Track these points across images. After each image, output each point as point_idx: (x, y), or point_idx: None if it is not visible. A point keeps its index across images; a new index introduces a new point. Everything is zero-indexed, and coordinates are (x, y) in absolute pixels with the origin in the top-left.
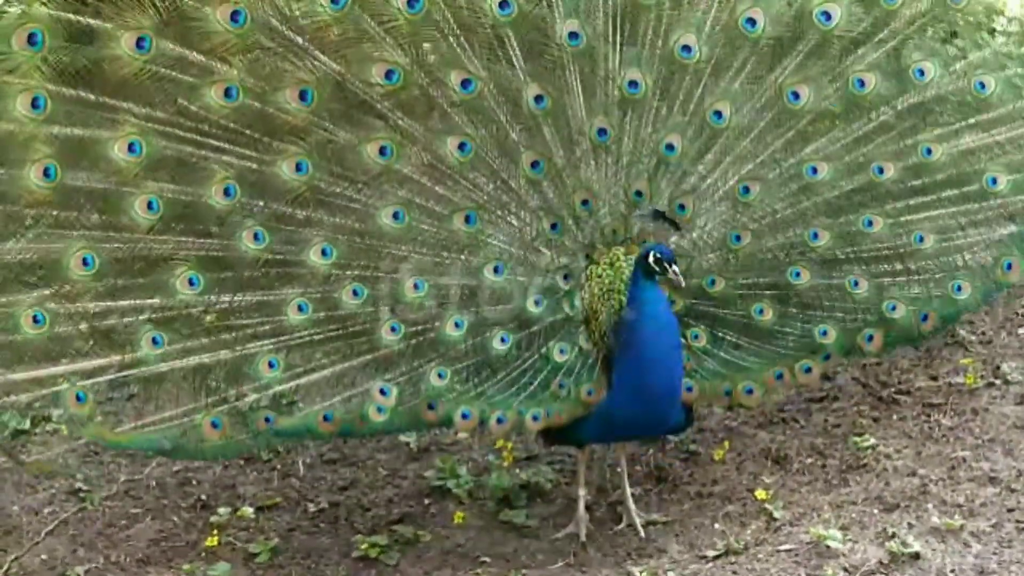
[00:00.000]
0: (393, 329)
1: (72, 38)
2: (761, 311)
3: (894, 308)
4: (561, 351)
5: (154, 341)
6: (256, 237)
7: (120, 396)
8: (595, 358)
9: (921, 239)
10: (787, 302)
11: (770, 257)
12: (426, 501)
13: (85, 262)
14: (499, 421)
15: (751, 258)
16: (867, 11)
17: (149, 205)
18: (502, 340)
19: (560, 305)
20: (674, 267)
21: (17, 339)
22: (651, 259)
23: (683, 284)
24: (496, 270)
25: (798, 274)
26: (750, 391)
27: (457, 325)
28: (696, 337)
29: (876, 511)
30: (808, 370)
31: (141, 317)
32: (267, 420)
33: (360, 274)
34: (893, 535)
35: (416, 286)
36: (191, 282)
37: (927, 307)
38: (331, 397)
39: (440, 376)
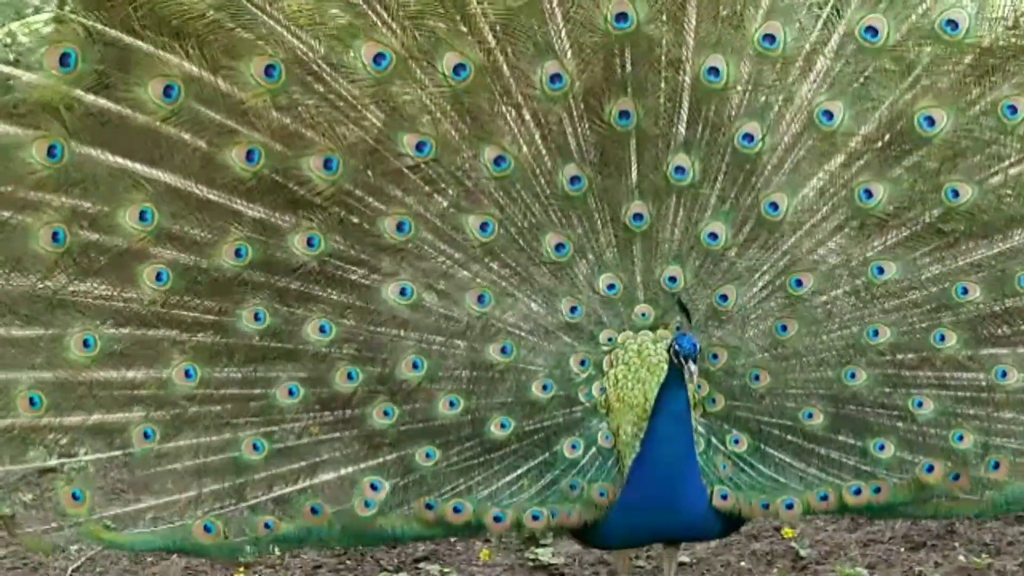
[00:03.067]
0: (386, 413)
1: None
2: (810, 415)
3: (961, 439)
4: (573, 446)
5: (145, 434)
6: (257, 317)
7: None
8: (613, 456)
9: (1004, 374)
10: (840, 407)
11: (822, 353)
12: (452, 539)
13: (86, 343)
14: (497, 519)
15: (800, 353)
16: (981, 124)
17: (158, 276)
18: (502, 425)
19: (575, 395)
20: (691, 364)
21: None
22: (671, 351)
23: (694, 384)
24: (504, 350)
25: (853, 375)
26: (790, 506)
27: (452, 404)
28: (736, 442)
29: (903, 550)
30: (857, 492)
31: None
32: (267, 526)
33: (356, 354)
34: (920, 573)
35: (415, 365)
36: (187, 373)
37: (999, 455)
38: (322, 494)
39: (428, 456)
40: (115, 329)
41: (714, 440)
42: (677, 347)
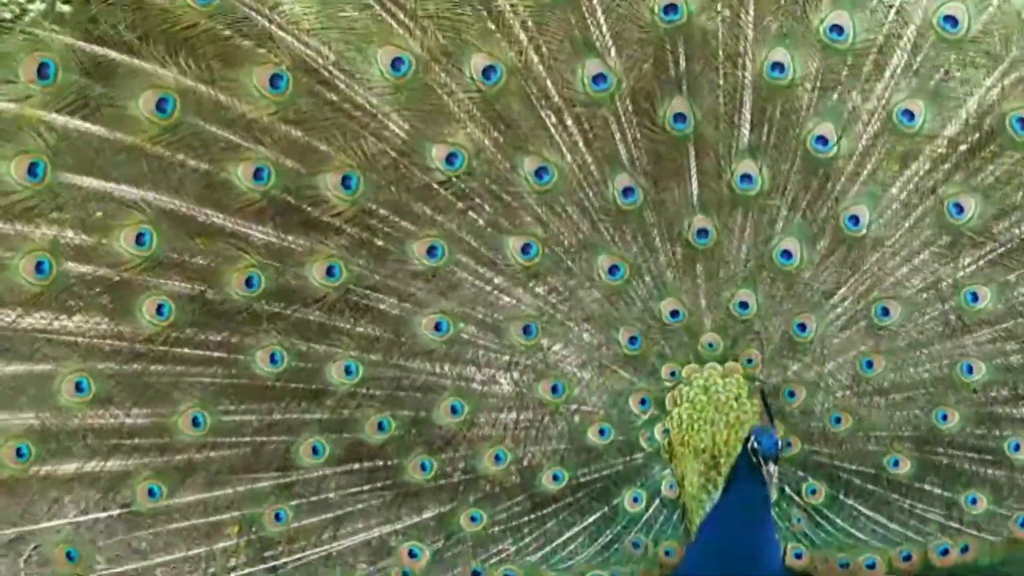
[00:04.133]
0: (423, 467)
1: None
2: (896, 463)
3: None
4: (635, 499)
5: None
6: (273, 359)
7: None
8: (678, 509)
9: None
10: (928, 452)
11: (910, 392)
12: None
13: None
14: None
15: (886, 391)
16: None
17: (159, 309)
18: (554, 478)
19: (635, 439)
20: (771, 467)
21: None
22: (749, 447)
23: (772, 491)
24: (555, 390)
25: (945, 417)
26: (872, 566)
27: (498, 459)
28: (813, 493)
29: None
30: (944, 552)
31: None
32: None
33: (387, 397)
34: None
35: (453, 409)
36: (195, 422)
37: None
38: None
39: (474, 520)
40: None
41: (788, 490)
42: (756, 444)
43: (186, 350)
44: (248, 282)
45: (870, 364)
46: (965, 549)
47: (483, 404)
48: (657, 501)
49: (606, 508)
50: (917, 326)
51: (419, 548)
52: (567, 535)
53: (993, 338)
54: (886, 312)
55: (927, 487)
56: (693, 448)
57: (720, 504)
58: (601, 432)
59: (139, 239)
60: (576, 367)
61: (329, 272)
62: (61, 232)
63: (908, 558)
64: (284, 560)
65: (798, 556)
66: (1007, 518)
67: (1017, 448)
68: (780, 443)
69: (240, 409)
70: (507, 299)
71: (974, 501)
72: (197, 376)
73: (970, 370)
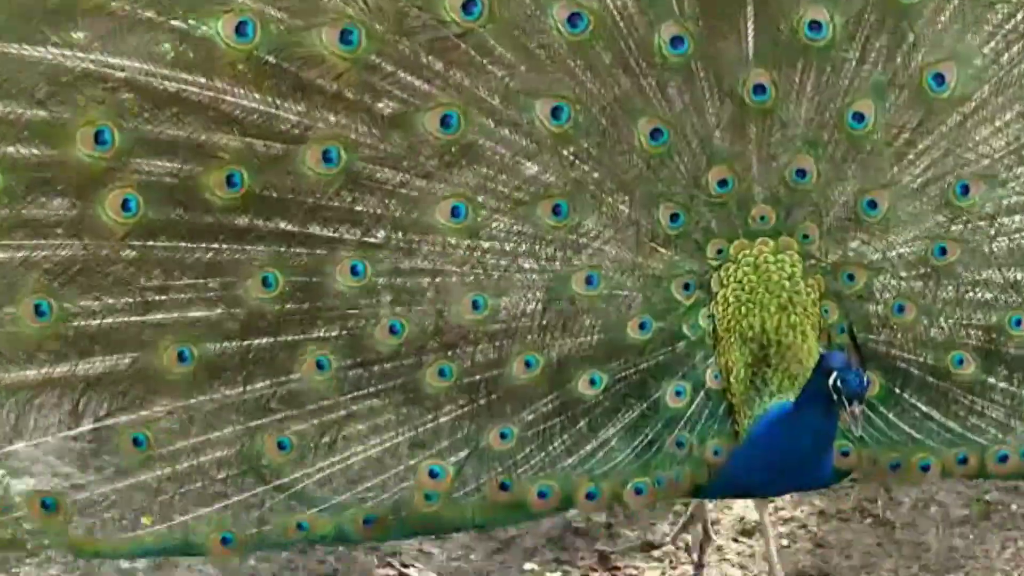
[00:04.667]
0: (441, 373)
1: None
2: (961, 362)
3: None
4: (677, 392)
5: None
6: (266, 283)
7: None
8: (724, 402)
9: None
10: (997, 356)
11: (985, 288)
12: None
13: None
14: (589, 496)
15: (959, 285)
16: None
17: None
18: (591, 383)
19: (677, 328)
20: (855, 407)
21: None
22: (831, 382)
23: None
24: (589, 281)
25: (1019, 322)
26: (926, 467)
27: (529, 364)
28: (868, 383)
29: None
30: (1003, 459)
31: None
32: (300, 527)
33: (399, 296)
34: None
35: (475, 305)
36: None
37: None
38: (366, 486)
39: (503, 437)
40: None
41: None
42: (839, 383)
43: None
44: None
45: (944, 252)
46: None
47: (506, 298)
48: (701, 394)
49: (645, 405)
50: (1000, 210)
51: (440, 467)
52: (602, 436)
53: None
54: (966, 191)
55: (992, 380)
56: (740, 335)
57: (781, 418)
58: (642, 326)
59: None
60: (612, 251)
61: (326, 157)
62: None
63: (964, 461)
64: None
65: (845, 454)
66: None
67: None
68: (867, 381)
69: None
70: (534, 169)
71: None
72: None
73: None
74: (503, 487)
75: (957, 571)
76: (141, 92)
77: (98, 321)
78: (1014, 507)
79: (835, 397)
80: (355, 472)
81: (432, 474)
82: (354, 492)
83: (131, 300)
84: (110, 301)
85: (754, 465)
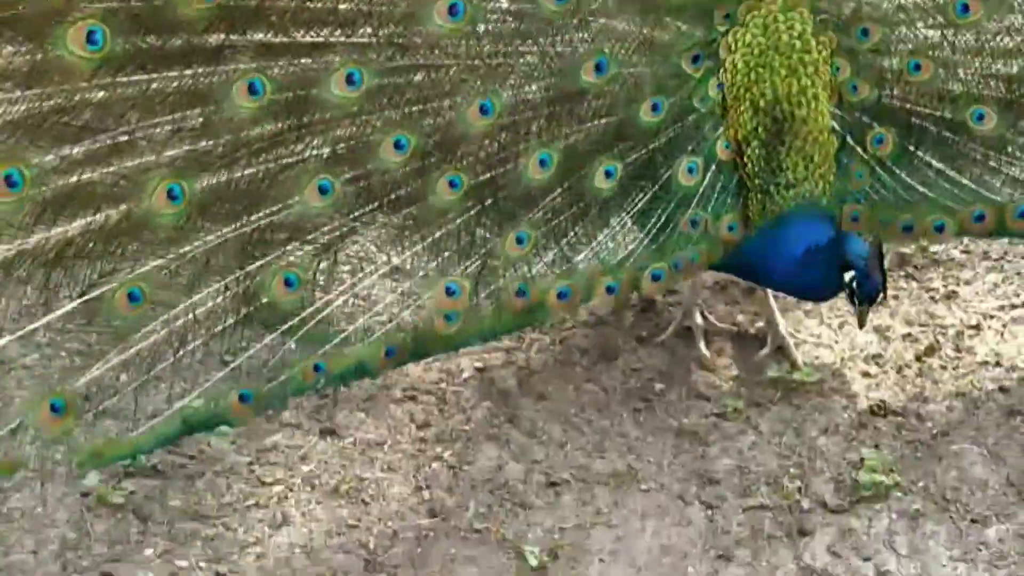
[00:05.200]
0: (452, 184)
1: None
2: (982, 117)
3: None
4: (689, 169)
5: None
6: (252, 90)
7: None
8: (736, 175)
9: None
10: (1020, 109)
11: (1007, 35)
12: None
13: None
14: (609, 290)
15: (982, 37)
16: None
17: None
18: (607, 175)
19: (688, 102)
20: (864, 307)
21: None
22: (847, 279)
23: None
24: (598, 68)
25: None
26: (940, 228)
27: (543, 163)
28: (879, 142)
29: None
30: (1022, 215)
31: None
32: (317, 368)
33: (403, 111)
34: None
35: (484, 109)
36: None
37: None
38: (383, 319)
39: (519, 242)
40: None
41: (851, 140)
42: (856, 286)
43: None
44: None
45: (965, 8)
46: None
47: (517, 99)
48: (713, 168)
49: (657, 186)
50: None
51: (456, 284)
52: (615, 224)
53: None
54: None
55: (1010, 135)
56: (751, 103)
57: (800, 235)
58: (654, 108)
59: None
60: (618, 28)
61: None
62: None
63: (981, 218)
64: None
65: (855, 219)
66: None
67: None
68: (880, 289)
69: (224, 162)
70: None
71: None
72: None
73: None
74: (520, 293)
75: None
76: None
77: (76, 177)
78: None
79: (846, 290)
80: (367, 304)
81: (449, 292)
82: (367, 323)
83: (109, 144)
84: (84, 150)
85: (767, 260)
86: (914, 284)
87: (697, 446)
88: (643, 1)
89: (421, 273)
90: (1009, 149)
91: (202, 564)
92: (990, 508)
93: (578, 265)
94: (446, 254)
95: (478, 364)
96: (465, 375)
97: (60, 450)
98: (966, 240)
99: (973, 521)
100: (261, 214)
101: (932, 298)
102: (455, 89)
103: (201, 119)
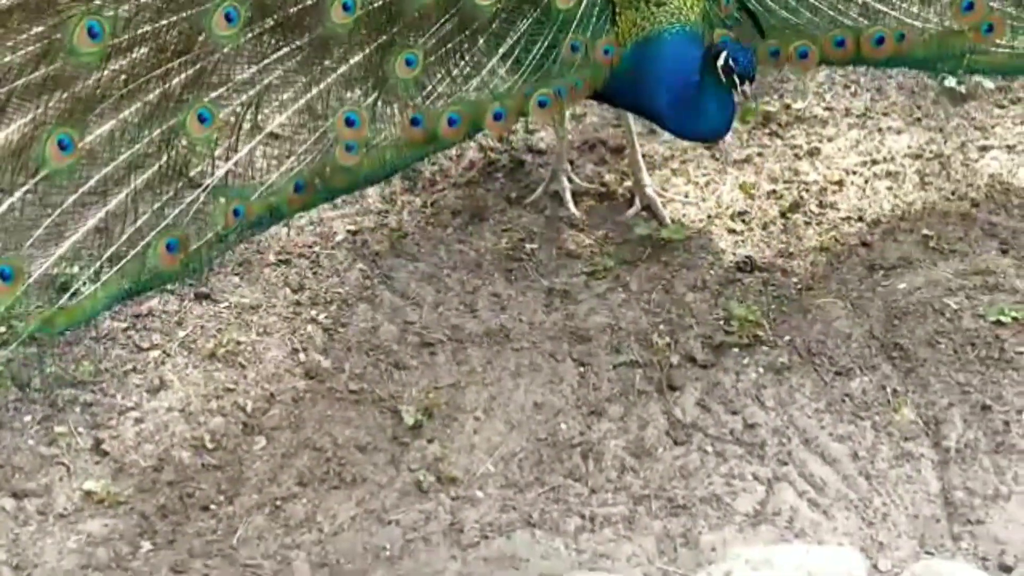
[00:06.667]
0: (345, 7)
1: None
2: None
3: None
4: None
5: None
6: None
7: None
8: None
9: None
10: None
11: None
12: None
13: None
14: (497, 117)
15: None
16: None
17: None
18: None
19: None
20: (746, 86)
21: None
22: (721, 62)
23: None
24: None
25: None
26: (804, 54)
27: None
28: None
29: None
30: (880, 41)
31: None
32: (236, 213)
33: None
34: None
35: None
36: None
37: None
38: (289, 158)
39: (409, 64)
40: None
41: None
42: (732, 64)
43: None
44: None
45: None
46: (901, 38)
47: None
48: None
49: (537, 9)
50: None
51: (355, 114)
52: (502, 50)
53: None
54: None
55: None
56: None
57: (672, 56)
58: None
59: None
60: None
61: None
62: None
63: (841, 43)
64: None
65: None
66: (950, 3)
67: None
68: (753, 60)
69: None
70: None
71: None
72: None
73: None
74: (415, 122)
75: (772, 93)
76: None
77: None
78: None
79: (724, 78)
80: (276, 147)
81: (349, 122)
82: (278, 168)
83: None
84: None
85: (641, 83)
86: (778, 141)
87: (568, 304)
88: None
89: (321, 102)
90: None
91: (81, 430)
92: (854, 361)
93: (467, 93)
94: (344, 84)
95: (351, 227)
96: (338, 238)
97: None
98: (828, 97)
99: (837, 374)
100: (176, 60)
101: (796, 155)
102: None
103: None
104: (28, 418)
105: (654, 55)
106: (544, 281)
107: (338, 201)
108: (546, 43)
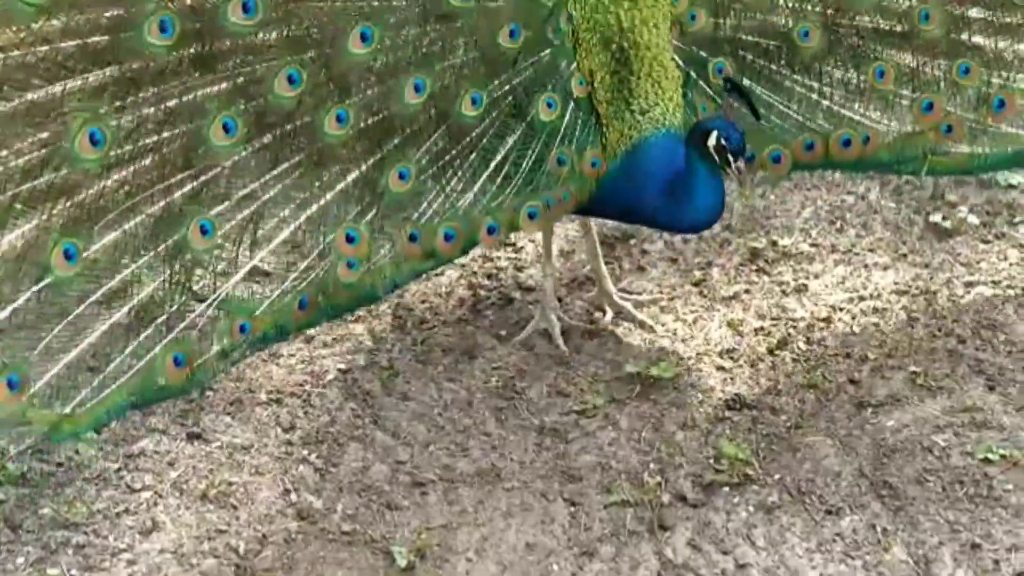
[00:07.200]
0: (339, 119)
1: None
2: (807, 33)
3: (967, 71)
4: (549, 104)
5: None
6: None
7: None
8: (592, 111)
9: None
10: (837, 26)
11: None
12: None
13: None
14: (490, 231)
15: None
16: None
17: None
18: (473, 102)
19: (542, 34)
20: (740, 163)
21: None
22: (712, 142)
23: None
24: None
25: None
26: (777, 158)
27: (417, 89)
28: (720, 71)
29: None
30: (847, 143)
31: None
32: (242, 329)
33: (289, 41)
34: None
35: (363, 36)
36: (93, 139)
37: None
38: (291, 275)
39: (402, 177)
40: None
41: (694, 75)
42: (724, 142)
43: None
44: None
45: None
46: (867, 140)
47: (390, 22)
48: (571, 104)
49: (524, 124)
50: None
51: (354, 230)
52: (492, 164)
53: None
54: None
55: (830, 69)
56: (601, 35)
57: (660, 154)
58: (511, 34)
59: None
60: None
61: None
62: None
63: (811, 147)
64: (212, 288)
65: None
66: (912, 101)
67: (927, 18)
68: (744, 137)
69: (135, 102)
70: None
71: (881, 74)
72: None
73: None
74: (412, 238)
75: (758, 230)
76: None
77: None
78: None
79: (716, 158)
80: (280, 264)
81: (349, 239)
82: (282, 284)
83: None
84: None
85: (631, 189)
86: (765, 278)
87: (559, 443)
88: None
89: (321, 221)
90: (826, 76)
91: (74, 572)
92: (843, 499)
93: (461, 208)
94: (342, 199)
95: (341, 365)
96: (329, 376)
97: None
98: (814, 233)
99: (827, 512)
100: (178, 173)
101: (783, 292)
102: (338, 18)
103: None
104: (20, 560)
105: (643, 159)
106: (535, 420)
107: (328, 339)
108: (534, 156)
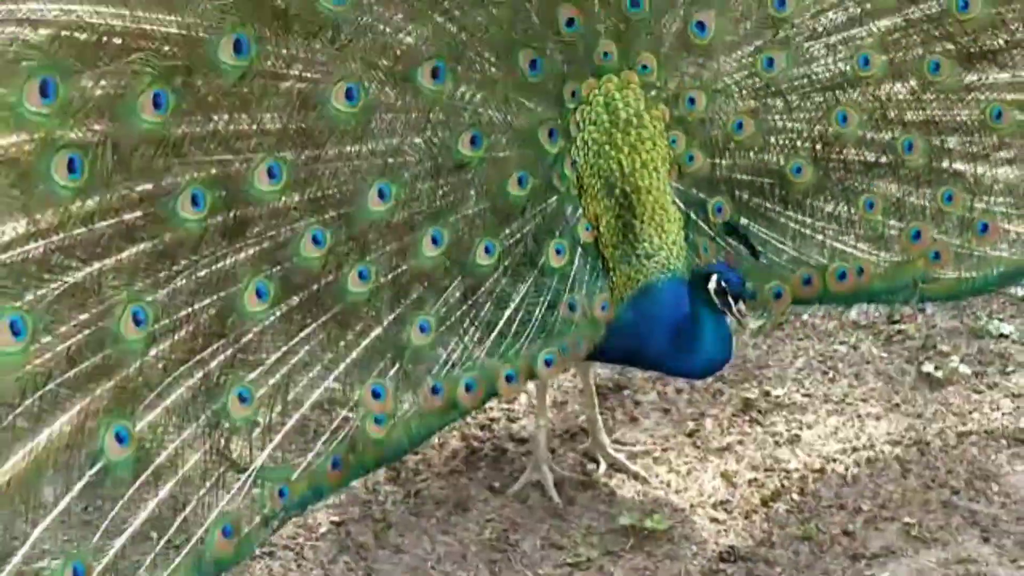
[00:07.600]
0: (361, 275)
1: None
2: (799, 170)
3: (950, 199)
4: (558, 251)
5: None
6: (195, 201)
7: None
8: (599, 256)
9: (999, 114)
10: (827, 160)
11: (811, 92)
12: None
13: None
14: (508, 379)
15: (787, 91)
16: None
17: None
18: (486, 251)
19: (549, 181)
20: (740, 305)
21: None
22: (712, 285)
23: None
24: (474, 141)
25: (844, 117)
26: (779, 295)
27: (435, 241)
28: (719, 211)
29: None
30: (843, 276)
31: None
32: (281, 494)
33: (311, 203)
34: None
35: (381, 193)
36: (136, 319)
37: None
38: (322, 436)
39: (423, 330)
40: None
41: (694, 215)
42: (724, 284)
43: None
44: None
45: (771, 63)
46: (860, 271)
47: (406, 177)
48: (579, 250)
49: (535, 271)
50: (816, 18)
51: (380, 386)
52: (507, 312)
53: (892, 28)
54: (783, 3)
55: (821, 203)
56: (604, 180)
57: (665, 300)
58: (519, 181)
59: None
60: (487, 110)
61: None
62: None
63: (808, 281)
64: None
65: None
66: (900, 231)
67: (910, 148)
68: (744, 279)
69: (168, 276)
70: (408, 40)
71: (871, 205)
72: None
73: (867, 63)
74: (434, 390)
75: (751, 380)
76: None
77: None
78: (805, 316)
79: (718, 301)
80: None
81: (375, 395)
82: (315, 445)
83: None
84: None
85: (638, 333)
86: (758, 429)
87: None
88: (502, 91)
89: (349, 378)
90: (819, 211)
91: None
92: None
93: (480, 358)
94: (367, 356)
95: (335, 518)
96: (322, 529)
97: None
98: (807, 383)
99: None
100: (214, 343)
101: (776, 443)
102: (356, 177)
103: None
104: None
105: (649, 303)
106: (528, 572)
107: None
108: (546, 303)
